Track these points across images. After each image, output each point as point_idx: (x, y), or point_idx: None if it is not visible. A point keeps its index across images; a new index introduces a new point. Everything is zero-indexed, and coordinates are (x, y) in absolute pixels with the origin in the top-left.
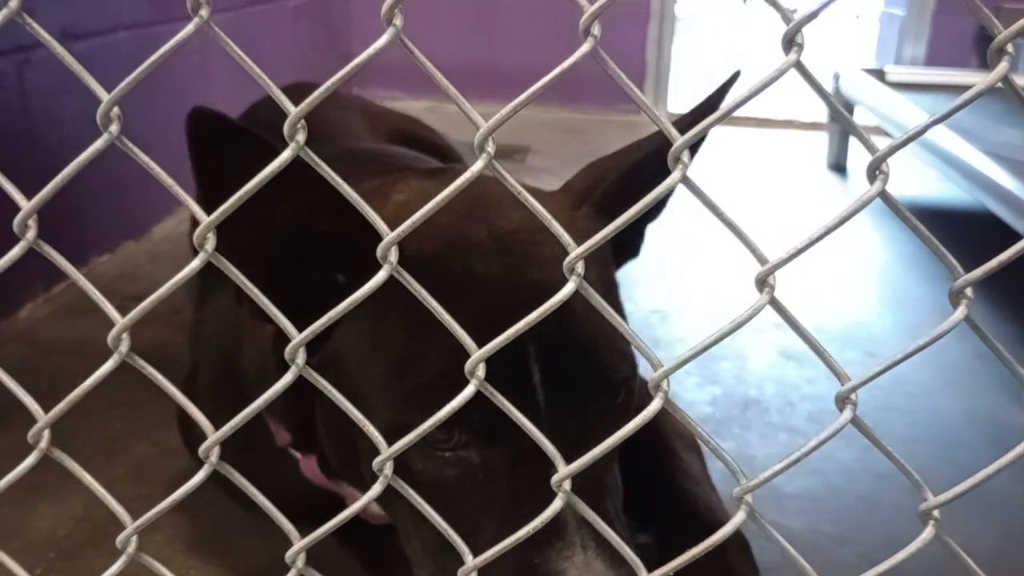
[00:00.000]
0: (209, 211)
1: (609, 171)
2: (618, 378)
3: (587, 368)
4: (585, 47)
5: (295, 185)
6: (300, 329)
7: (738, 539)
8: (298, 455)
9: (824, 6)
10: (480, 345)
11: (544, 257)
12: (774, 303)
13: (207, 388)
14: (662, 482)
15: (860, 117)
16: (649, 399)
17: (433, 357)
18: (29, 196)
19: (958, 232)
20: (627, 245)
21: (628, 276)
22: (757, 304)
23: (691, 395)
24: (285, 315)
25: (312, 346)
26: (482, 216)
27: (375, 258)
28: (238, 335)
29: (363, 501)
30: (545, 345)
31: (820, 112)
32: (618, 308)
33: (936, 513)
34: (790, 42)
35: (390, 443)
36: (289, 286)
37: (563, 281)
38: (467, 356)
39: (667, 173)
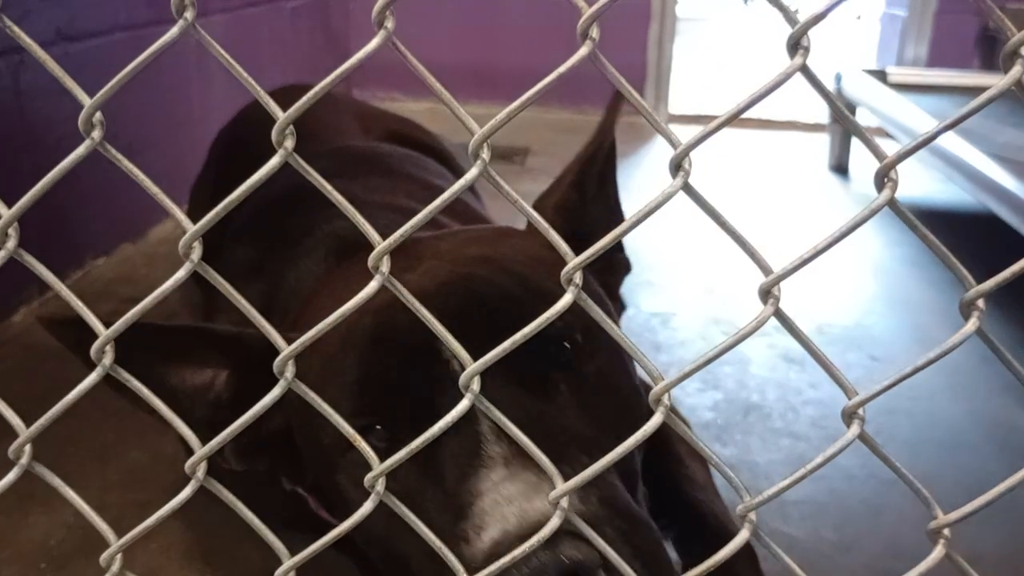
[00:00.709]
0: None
1: (560, 197)
2: (552, 330)
3: (510, 328)
4: (583, 50)
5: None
6: None
7: (745, 547)
8: (304, 494)
9: (830, 8)
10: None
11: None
12: (779, 314)
13: None
14: (666, 488)
15: (861, 118)
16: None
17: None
18: (25, 197)
19: (961, 234)
20: (614, 260)
21: (629, 279)
22: (762, 316)
23: (692, 400)
24: None
25: None
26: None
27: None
28: None
29: (354, 519)
30: (467, 321)
31: (822, 113)
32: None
33: (947, 532)
34: (795, 45)
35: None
36: None
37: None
38: None
39: (607, 176)
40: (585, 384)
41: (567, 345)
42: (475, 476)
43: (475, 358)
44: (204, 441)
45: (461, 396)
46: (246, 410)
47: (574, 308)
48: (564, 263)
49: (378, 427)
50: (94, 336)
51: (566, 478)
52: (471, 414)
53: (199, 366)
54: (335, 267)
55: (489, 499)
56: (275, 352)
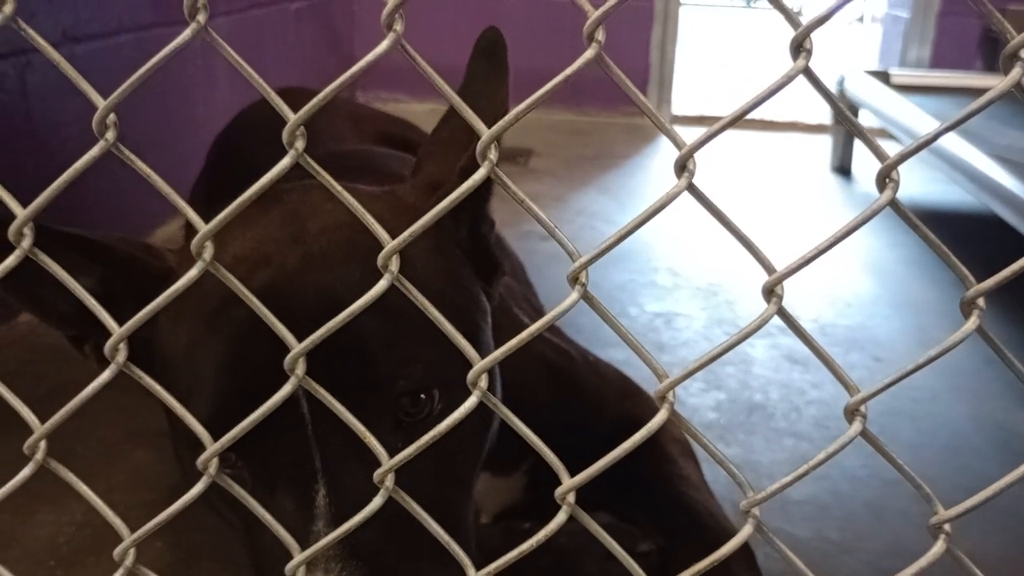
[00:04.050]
0: None
1: (448, 156)
2: (402, 385)
3: (356, 376)
4: (589, 52)
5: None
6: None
7: (742, 548)
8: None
9: (833, 11)
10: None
11: (339, 258)
12: (782, 313)
13: None
14: (660, 489)
15: (864, 120)
16: (646, 407)
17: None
18: (31, 198)
19: (963, 235)
20: (484, 260)
21: (631, 280)
22: (765, 314)
23: (696, 400)
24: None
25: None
26: (294, 223)
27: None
28: None
29: (363, 515)
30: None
31: (824, 114)
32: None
33: (947, 527)
34: (798, 48)
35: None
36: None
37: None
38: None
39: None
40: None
41: (408, 401)
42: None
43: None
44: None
45: (301, 449)
46: (112, 312)
47: (419, 366)
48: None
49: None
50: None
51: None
52: (311, 469)
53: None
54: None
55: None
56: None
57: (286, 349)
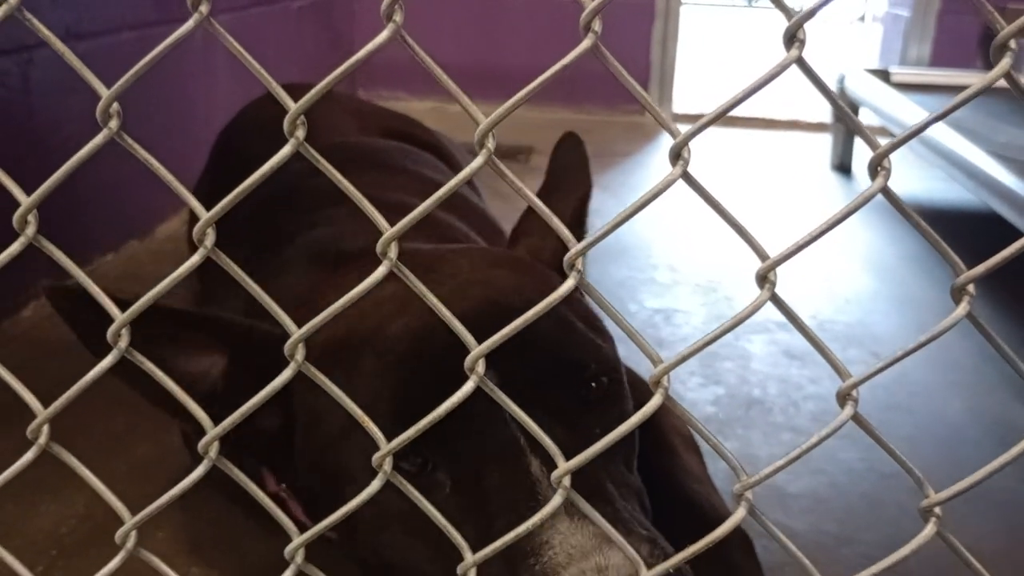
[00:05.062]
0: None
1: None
2: (587, 372)
3: (549, 367)
4: (586, 43)
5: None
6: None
7: (742, 537)
8: (286, 497)
9: (825, 2)
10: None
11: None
12: (775, 299)
13: None
14: (663, 481)
15: (864, 118)
16: (649, 397)
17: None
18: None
19: (962, 232)
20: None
21: (631, 276)
22: (758, 300)
23: (694, 395)
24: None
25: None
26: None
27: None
28: None
29: (364, 495)
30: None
31: (824, 113)
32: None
33: (937, 510)
34: (791, 38)
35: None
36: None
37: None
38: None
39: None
40: (612, 424)
41: (594, 386)
42: (537, 532)
43: (509, 389)
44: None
45: (499, 421)
46: (238, 405)
47: (604, 354)
48: (578, 297)
49: (411, 453)
50: (99, 317)
51: (612, 521)
52: (518, 448)
53: (199, 352)
54: (326, 275)
55: (561, 552)
56: (275, 349)
57: (459, 357)
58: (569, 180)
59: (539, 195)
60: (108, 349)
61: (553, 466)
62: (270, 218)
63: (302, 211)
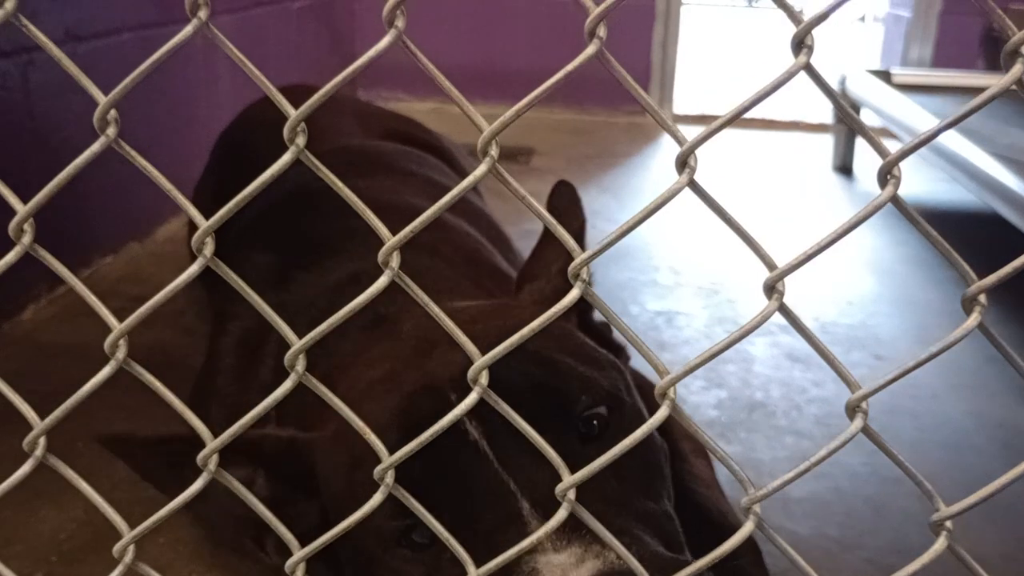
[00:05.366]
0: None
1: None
2: (579, 406)
3: (535, 409)
4: (590, 49)
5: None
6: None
7: (750, 545)
8: None
9: (834, 7)
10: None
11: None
12: (783, 309)
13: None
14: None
15: (865, 119)
16: (657, 406)
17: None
18: (33, 196)
19: (966, 234)
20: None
21: (632, 279)
22: (766, 311)
23: (697, 398)
24: None
25: None
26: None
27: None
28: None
29: (369, 506)
30: (485, 406)
31: (826, 114)
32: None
33: (949, 524)
34: (799, 44)
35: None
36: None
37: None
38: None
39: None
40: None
41: (594, 422)
42: (526, 561)
43: (494, 441)
44: (252, 539)
45: (492, 478)
46: (284, 509)
47: (596, 386)
48: (568, 333)
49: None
50: (153, 454)
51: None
52: (507, 490)
53: (234, 466)
54: (364, 335)
55: None
56: (296, 452)
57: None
58: (565, 219)
59: (537, 243)
60: (175, 482)
61: (545, 510)
62: (294, 220)
63: (331, 216)
